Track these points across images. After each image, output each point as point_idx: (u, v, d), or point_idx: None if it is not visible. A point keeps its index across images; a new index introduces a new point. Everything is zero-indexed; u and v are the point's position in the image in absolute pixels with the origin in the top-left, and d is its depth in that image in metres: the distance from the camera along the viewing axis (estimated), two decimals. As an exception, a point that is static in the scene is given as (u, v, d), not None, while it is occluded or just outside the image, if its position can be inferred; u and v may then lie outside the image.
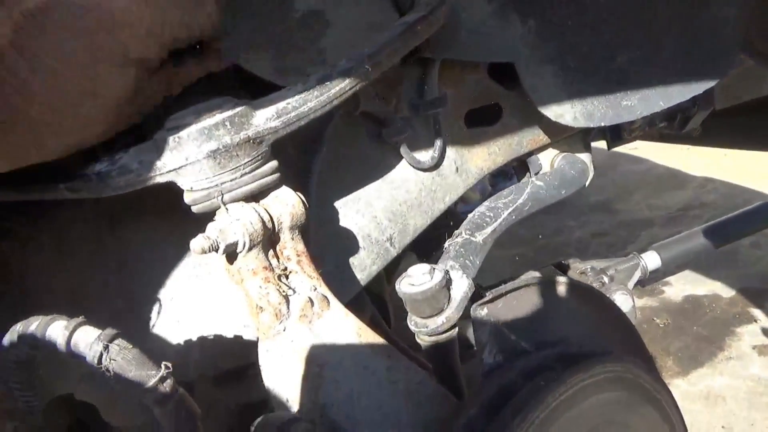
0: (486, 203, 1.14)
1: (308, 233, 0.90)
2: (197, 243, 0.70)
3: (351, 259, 1.01)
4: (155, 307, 0.93)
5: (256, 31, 0.91)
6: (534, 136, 1.27)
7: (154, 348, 0.92)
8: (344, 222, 1.01)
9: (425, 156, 1.10)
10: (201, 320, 0.94)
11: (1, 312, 0.93)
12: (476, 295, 0.87)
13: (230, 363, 0.95)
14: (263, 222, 0.75)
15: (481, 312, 0.73)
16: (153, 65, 0.71)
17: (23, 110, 0.63)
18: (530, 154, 1.31)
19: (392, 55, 0.91)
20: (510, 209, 1.12)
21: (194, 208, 0.76)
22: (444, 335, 0.87)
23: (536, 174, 1.30)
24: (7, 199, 0.79)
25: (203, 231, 0.74)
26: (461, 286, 0.89)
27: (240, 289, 0.78)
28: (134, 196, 0.78)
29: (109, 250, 0.94)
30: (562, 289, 0.81)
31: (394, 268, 1.40)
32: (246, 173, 0.75)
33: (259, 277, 0.76)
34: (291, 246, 0.79)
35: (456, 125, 1.16)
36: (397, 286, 0.86)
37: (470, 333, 0.81)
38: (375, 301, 1.54)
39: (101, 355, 0.60)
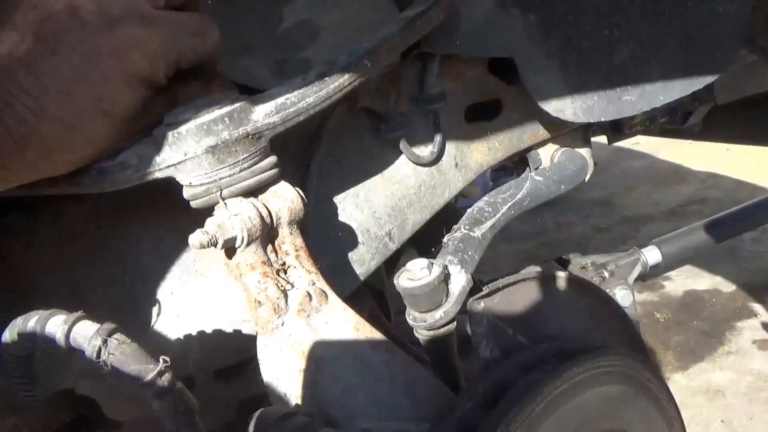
0: (485, 198, 1.14)
1: (307, 228, 0.91)
2: (196, 238, 0.70)
3: (350, 254, 1.01)
4: (155, 302, 0.93)
5: (249, 37, 0.92)
6: (534, 132, 1.27)
7: (154, 342, 0.92)
8: (343, 217, 1.02)
9: (425, 151, 1.10)
10: (201, 315, 0.94)
11: (2, 307, 0.93)
12: (475, 290, 0.87)
13: (230, 358, 0.96)
14: (262, 217, 0.75)
15: (478, 306, 0.73)
16: (160, 85, 0.74)
17: (35, 128, 0.65)
18: (530, 149, 1.32)
19: (392, 51, 0.91)
20: (509, 204, 1.12)
21: (193, 204, 0.76)
22: (442, 330, 0.87)
23: (536, 169, 1.30)
24: (7, 195, 0.79)
25: (202, 226, 0.74)
26: (459, 280, 0.89)
27: (239, 284, 0.78)
28: (135, 191, 0.79)
29: (109, 245, 0.94)
30: (559, 283, 0.81)
31: (393, 264, 1.41)
32: (245, 168, 0.75)
33: (258, 272, 0.76)
34: (290, 241, 0.79)
35: (456, 120, 1.16)
36: (395, 281, 0.86)
37: (469, 327, 0.82)
38: (375, 296, 1.55)
39: (100, 349, 0.61)
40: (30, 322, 0.64)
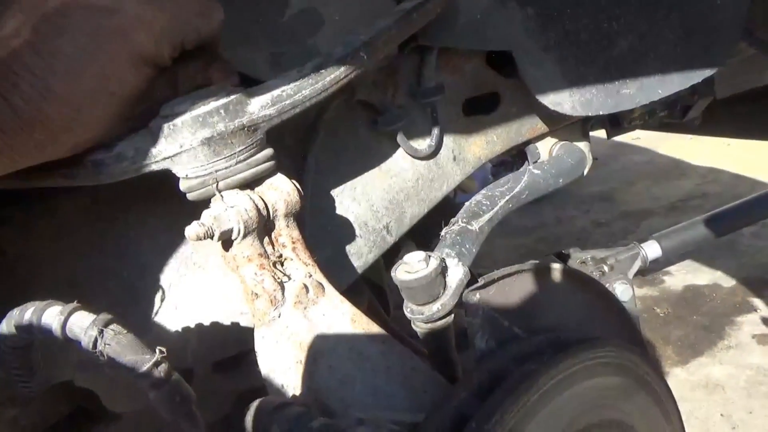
0: (483, 191, 1.14)
1: (304, 221, 0.91)
2: (192, 230, 0.70)
3: (347, 247, 1.01)
4: (153, 294, 0.94)
5: (249, 28, 0.92)
6: (532, 125, 1.27)
7: (152, 335, 0.93)
8: (340, 210, 1.02)
9: (422, 144, 1.10)
10: (199, 307, 0.94)
11: (1, 299, 0.93)
12: (472, 283, 0.87)
13: (228, 350, 0.96)
14: (258, 209, 0.75)
15: (474, 298, 0.73)
16: (165, 65, 0.74)
17: (42, 109, 0.65)
18: (529, 142, 1.31)
19: (389, 43, 0.91)
20: (507, 197, 1.12)
21: (189, 196, 0.76)
22: (439, 322, 0.88)
23: (534, 163, 1.30)
24: (4, 187, 0.80)
25: (199, 218, 0.74)
26: (457, 273, 0.89)
27: (236, 276, 0.78)
28: (132, 184, 0.79)
29: (107, 239, 0.94)
30: (555, 275, 0.81)
31: (392, 257, 1.41)
32: (241, 161, 0.75)
33: (254, 264, 0.76)
34: (286, 233, 0.79)
35: (454, 114, 1.16)
36: (392, 274, 0.86)
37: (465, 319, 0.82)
38: (374, 291, 1.55)
39: (96, 339, 0.61)
40: (26, 313, 0.65)
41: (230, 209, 0.73)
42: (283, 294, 0.77)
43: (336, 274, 0.93)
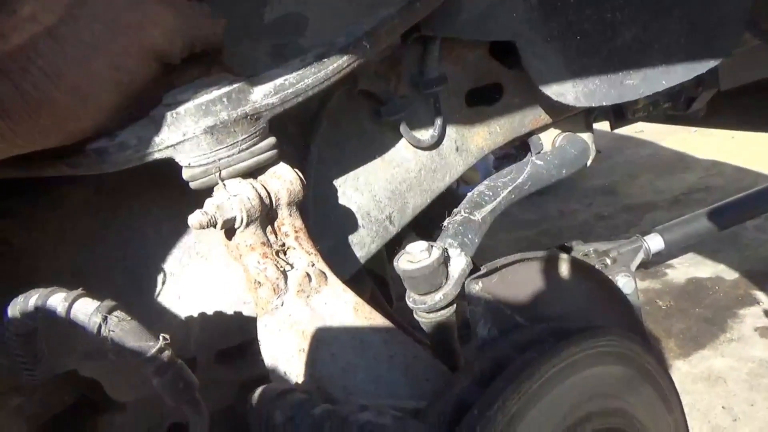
0: (485, 182, 1.14)
1: (307, 210, 0.91)
2: (195, 218, 0.70)
3: (350, 237, 1.01)
4: (156, 284, 0.94)
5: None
6: (535, 116, 1.26)
7: (155, 324, 0.93)
8: (343, 200, 1.02)
9: (425, 135, 1.10)
10: (202, 297, 0.95)
11: (6, 290, 0.94)
12: (474, 273, 0.87)
13: (231, 339, 0.96)
14: (261, 198, 0.75)
15: (476, 286, 0.73)
16: (174, 64, 0.76)
17: (50, 94, 0.66)
18: (532, 134, 1.31)
19: (391, 32, 0.90)
20: (510, 188, 1.12)
21: (192, 185, 0.76)
22: (442, 312, 0.88)
23: (537, 154, 1.30)
24: (8, 177, 0.80)
25: (202, 207, 0.74)
26: (459, 263, 0.89)
27: (239, 265, 0.78)
28: (135, 174, 0.79)
29: (110, 228, 0.95)
30: (558, 265, 0.81)
31: (395, 248, 1.41)
32: (243, 149, 0.75)
33: (257, 253, 0.76)
34: (289, 222, 0.80)
35: (457, 104, 1.16)
36: (395, 263, 0.86)
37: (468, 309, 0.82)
38: (376, 282, 1.55)
39: (100, 326, 0.61)
40: (31, 299, 0.65)
41: (233, 198, 0.73)
42: (285, 283, 0.77)
43: (339, 264, 0.93)
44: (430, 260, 0.85)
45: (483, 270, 0.76)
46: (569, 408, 0.66)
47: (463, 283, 0.82)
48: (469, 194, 1.11)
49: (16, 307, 0.66)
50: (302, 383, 0.71)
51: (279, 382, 0.73)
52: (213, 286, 0.95)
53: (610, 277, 1.38)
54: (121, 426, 1.07)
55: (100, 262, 0.95)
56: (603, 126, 1.89)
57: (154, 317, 0.93)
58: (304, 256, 0.79)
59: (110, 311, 0.63)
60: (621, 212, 3.87)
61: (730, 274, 2.86)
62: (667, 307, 2.74)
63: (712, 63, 1.22)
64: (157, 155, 0.74)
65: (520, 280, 0.77)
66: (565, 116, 1.29)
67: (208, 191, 0.77)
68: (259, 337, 0.78)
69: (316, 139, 0.98)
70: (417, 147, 1.09)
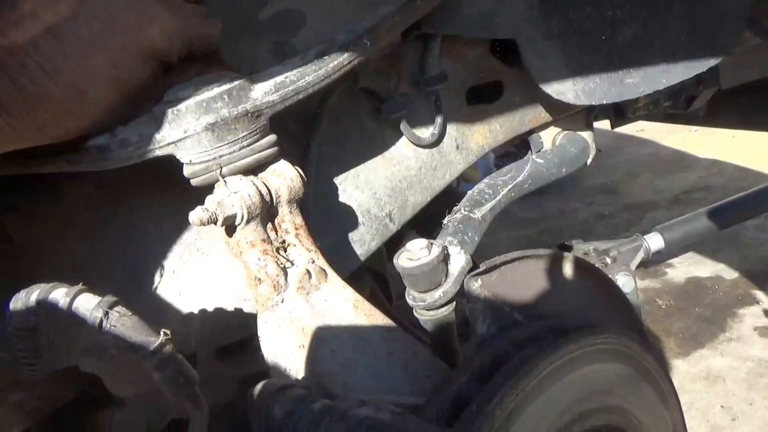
0: (485, 180, 1.14)
1: (307, 207, 0.91)
2: (196, 215, 0.71)
3: (350, 234, 1.02)
4: (157, 280, 0.94)
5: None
6: (536, 114, 1.26)
7: (155, 320, 0.93)
8: (343, 197, 1.02)
9: (425, 133, 1.10)
10: (202, 293, 0.95)
11: (7, 286, 0.94)
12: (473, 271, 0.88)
13: (232, 335, 0.97)
14: (261, 195, 0.75)
15: (475, 283, 0.73)
16: (172, 63, 0.76)
17: (48, 90, 0.66)
18: (532, 132, 1.31)
19: (391, 30, 0.91)
20: (509, 186, 1.13)
21: (193, 182, 0.76)
22: (441, 309, 0.88)
23: (537, 152, 1.30)
24: (10, 173, 0.80)
25: (203, 204, 0.75)
26: (459, 261, 0.90)
27: (239, 262, 0.79)
28: (136, 170, 0.79)
29: (111, 224, 0.95)
30: (557, 263, 0.81)
31: (395, 246, 1.41)
32: (244, 147, 0.75)
33: (258, 250, 0.77)
34: (289, 219, 0.80)
35: (457, 102, 1.16)
36: (395, 261, 0.87)
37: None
38: (377, 280, 1.55)
39: (101, 321, 0.62)
40: (33, 294, 0.65)
41: (234, 195, 0.74)
42: (285, 279, 0.77)
43: (339, 261, 0.94)
44: (429, 258, 0.85)
45: (482, 267, 0.76)
46: (567, 404, 0.66)
47: (463, 281, 0.82)
48: (469, 192, 1.12)
49: (17, 302, 0.66)
50: (302, 379, 0.72)
51: (279, 378, 0.74)
52: (213, 282, 0.95)
53: (609, 275, 1.39)
54: (121, 422, 1.08)
55: (101, 258, 0.95)
56: (604, 125, 1.89)
57: (155, 313, 0.93)
58: (304, 253, 0.80)
59: (111, 306, 0.63)
60: (621, 211, 3.87)
61: (729, 274, 2.86)
62: (666, 306, 2.75)
63: (712, 61, 1.22)
64: (158, 152, 0.74)
65: (519, 278, 0.78)
66: (565, 115, 1.30)
67: (209, 188, 0.78)
68: (259, 333, 0.78)
69: (317, 137, 0.98)
70: (417, 145, 1.10)
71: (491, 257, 0.82)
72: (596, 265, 1.39)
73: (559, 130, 1.33)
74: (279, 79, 0.78)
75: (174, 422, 1.07)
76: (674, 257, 2.83)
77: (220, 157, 0.74)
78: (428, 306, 0.88)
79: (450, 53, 1.12)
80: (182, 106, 0.72)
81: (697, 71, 1.21)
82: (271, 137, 0.79)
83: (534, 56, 1.09)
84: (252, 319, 0.84)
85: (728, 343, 2.43)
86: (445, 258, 0.87)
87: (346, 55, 0.82)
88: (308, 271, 0.78)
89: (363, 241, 1.03)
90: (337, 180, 1.02)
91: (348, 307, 0.78)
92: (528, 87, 1.16)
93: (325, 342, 0.75)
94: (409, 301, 0.90)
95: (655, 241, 1.68)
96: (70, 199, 0.94)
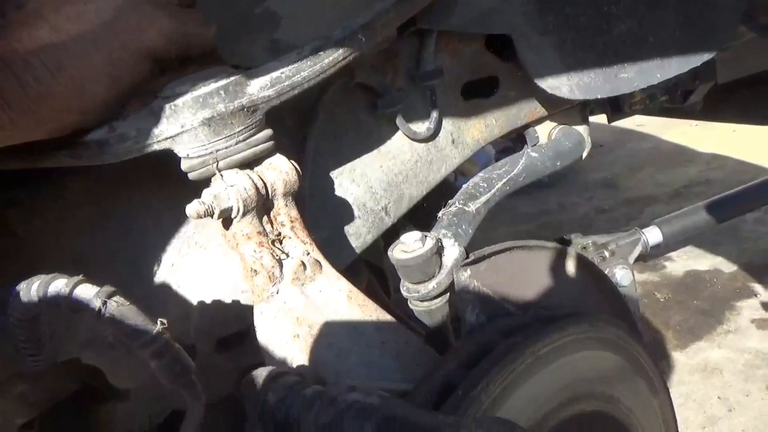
0: (480, 174, 1.16)
1: (303, 201, 0.93)
2: (192, 208, 0.72)
3: (346, 228, 1.03)
4: (156, 273, 0.96)
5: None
6: (531, 109, 1.28)
7: (155, 313, 0.95)
8: (339, 191, 1.03)
9: (421, 127, 1.11)
10: (201, 286, 0.97)
11: (10, 279, 0.96)
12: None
13: (229, 327, 0.98)
14: (257, 188, 0.77)
15: (464, 273, 0.75)
16: (167, 63, 0.79)
17: (50, 87, 0.69)
18: (528, 126, 1.32)
19: (387, 25, 0.92)
20: (504, 180, 1.14)
21: (190, 175, 0.78)
22: (435, 301, 0.90)
23: (533, 146, 1.31)
24: (10, 167, 0.82)
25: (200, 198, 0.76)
26: (452, 253, 0.91)
27: (236, 254, 0.80)
28: (135, 164, 0.81)
29: (111, 218, 0.97)
30: (547, 253, 0.83)
31: (392, 240, 1.42)
32: (240, 141, 0.77)
33: (254, 242, 0.78)
34: (285, 212, 0.81)
35: (453, 97, 1.17)
36: (389, 253, 0.88)
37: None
38: (375, 274, 1.57)
39: (100, 310, 0.63)
40: (33, 285, 0.67)
41: (230, 188, 0.75)
42: (281, 271, 0.79)
43: (335, 254, 0.95)
44: (423, 250, 0.86)
45: (471, 257, 0.78)
46: (555, 391, 0.67)
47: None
48: (464, 186, 1.13)
49: (18, 293, 0.68)
50: (296, 367, 0.73)
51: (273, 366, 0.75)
52: (212, 275, 0.96)
53: (608, 269, 1.40)
54: (124, 414, 1.09)
55: (101, 252, 0.97)
56: (604, 120, 1.90)
57: (154, 306, 0.95)
58: (299, 245, 0.81)
59: (110, 296, 0.65)
60: (621, 205, 3.88)
61: (728, 267, 2.88)
62: (665, 299, 2.76)
63: (706, 56, 1.23)
64: (156, 146, 0.76)
65: (508, 268, 0.79)
66: (560, 109, 1.31)
67: (206, 182, 0.79)
68: (255, 323, 0.80)
69: (313, 132, 0.99)
70: (413, 139, 1.11)
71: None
72: (594, 259, 1.41)
73: (555, 124, 1.35)
74: (275, 74, 0.79)
75: (174, 413, 1.09)
76: (673, 251, 2.85)
77: (217, 151, 0.76)
78: (422, 297, 0.89)
79: (446, 49, 1.13)
80: (179, 101, 0.74)
81: (692, 66, 1.22)
82: (267, 131, 0.80)
83: (529, 51, 1.10)
84: (249, 310, 0.86)
85: (726, 336, 2.44)
86: (438, 250, 0.89)
87: (341, 50, 0.83)
88: (303, 263, 0.79)
89: (359, 234, 1.05)
90: (334, 174, 1.04)
91: (342, 298, 0.79)
92: (523, 82, 1.17)
93: (320, 332, 0.76)
94: (404, 293, 0.91)
95: (653, 235, 1.69)
96: (71, 194, 0.95)
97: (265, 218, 0.80)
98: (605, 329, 0.74)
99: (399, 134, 1.10)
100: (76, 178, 0.95)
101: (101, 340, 0.93)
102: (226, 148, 0.76)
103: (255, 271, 0.78)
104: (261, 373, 0.67)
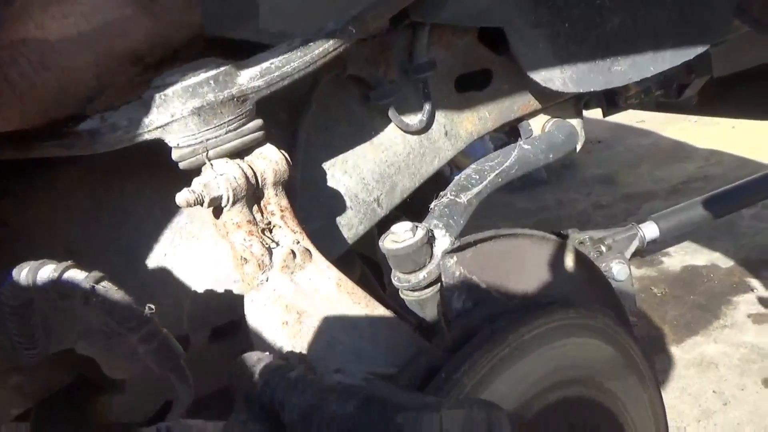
0: (473, 166, 1.16)
1: (294, 191, 0.93)
2: (182, 196, 0.73)
3: (338, 218, 1.04)
4: (149, 263, 0.96)
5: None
6: (525, 102, 1.28)
7: (148, 302, 0.95)
8: (332, 182, 1.04)
9: (414, 119, 1.11)
10: (193, 276, 0.97)
11: (3, 270, 0.96)
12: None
13: (222, 316, 0.99)
14: (246, 177, 0.78)
15: (450, 260, 0.75)
16: (152, 62, 0.80)
17: (35, 83, 0.71)
18: (521, 119, 1.33)
19: (378, 17, 0.92)
20: (497, 171, 1.14)
21: (181, 165, 0.79)
22: (425, 290, 0.90)
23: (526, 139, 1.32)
24: (2, 158, 0.82)
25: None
26: (443, 243, 0.92)
27: (226, 242, 0.81)
28: (127, 155, 0.81)
29: (104, 209, 0.97)
30: (532, 240, 0.83)
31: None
32: (230, 130, 0.77)
33: (243, 230, 0.79)
34: (275, 201, 0.82)
35: (446, 90, 1.17)
36: (380, 243, 0.89)
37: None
38: (370, 267, 1.57)
39: (88, 295, 0.64)
40: (22, 272, 0.68)
41: (220, 177, 0.76)
42: (270, 259, 0.79)
43: (327, 245, 0.96)
44: (414, 240, 0.87)
45: (457, 244, 0.78)
46: (540, 375, 0.68)
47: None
48: (456, 177, 1.13)
49: (8, 280, 0.69)
50: (284, 353, 0.74)
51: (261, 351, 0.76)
52: (204, 265, 0.97)
53: (604, 264, 1.41)
54: (120, 405, 1.10)
55: (94, 242, 0.97)
56: (607, 118, 1.90)
57: (147, 295, 0.95)
58: (289, 234, 0.82)
59: (98, 281, 0.65)
60: (619, 201, 3.88)
61: (725, 262, 2.88)
62: (662, 294, 2.77)
63: (700, 49, 1.23)
64: (147, 136, 0.77)
65: (495, 256, 0.80)
66: (554, 102, 1.31)
67: (196, 171, 0.80)
68: (246, 311, 0.80)
69: (305, 123, 1.00)
70: (406, 131, 1.12)
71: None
72: (591, 254, 1.41)
73: (549, 117, 1.35)
74: (265, 65, 0.79)
75: (168, 403, 1.10)
76: (670, 246, 2.85)
77: (207, 140, 0.76)
78: (413, 287, 0.90)
79: (439, 41, 1.13)
80: (169, 91, 0.74)
81: (685, 59, 1.22)
82: (257, 122, 0.81)
83: (522, 44, 1.11)
84: (242, 300, 0.87)
85: (722, 330, 2.45)
86: (429, 240, 0.89)
87: (331, 42, 0.84)
88: (293, 251, 0.80)
89: (351, 225, 1.05)
90: (326, 165, 1.04)
91: (331, 286, 0.80)
92: (517, 75, 1.17)
93: (309, 319, 0.77)
94: (395, 282, 0.92)
95: (650, 230, 1.69)
96: (64, 185, 0.96)
97: (255, 207, 0.81)
98: (592, 317, 0.74)
99: (392, 126, 1.11)
100: (68, 169, 0.95)
101: (96, 331, 0.93)
102: (215, 137, 0.77)
103: (245, 259, 0.79)
104: (247, 357, 0.68)
